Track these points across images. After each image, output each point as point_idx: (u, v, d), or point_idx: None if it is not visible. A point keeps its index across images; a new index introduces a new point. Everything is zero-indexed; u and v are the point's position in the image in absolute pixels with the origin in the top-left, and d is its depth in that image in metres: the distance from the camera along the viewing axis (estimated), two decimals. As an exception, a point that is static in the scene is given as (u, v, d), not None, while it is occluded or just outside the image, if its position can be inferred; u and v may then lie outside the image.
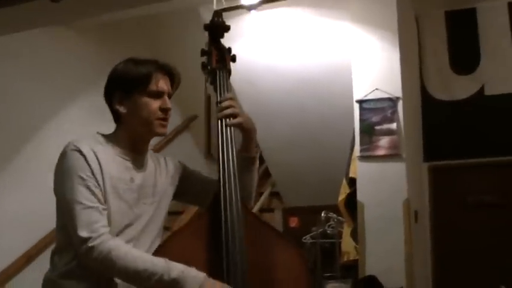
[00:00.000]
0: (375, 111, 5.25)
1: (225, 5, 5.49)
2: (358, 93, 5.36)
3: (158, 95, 2.29)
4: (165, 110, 2.30)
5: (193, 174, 2.57)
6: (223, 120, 2.34)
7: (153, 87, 2.27)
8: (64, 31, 6.04)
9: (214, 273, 2.08)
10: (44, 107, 5.76)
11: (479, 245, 5.72)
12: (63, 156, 2.18)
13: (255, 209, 8.12)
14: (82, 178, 2.12)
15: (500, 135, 5.82)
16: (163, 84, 2.31)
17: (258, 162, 2.51)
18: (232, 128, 2.34)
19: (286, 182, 7.89)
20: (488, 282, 5.19)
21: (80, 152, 2.16)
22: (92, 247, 2.04)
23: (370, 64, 5.39)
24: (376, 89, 5.27)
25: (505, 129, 5.82)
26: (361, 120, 5.31)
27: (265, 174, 8.51)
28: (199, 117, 8.91)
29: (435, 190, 5.97)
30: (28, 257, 5.41)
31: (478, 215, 5.83)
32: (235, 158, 2.30)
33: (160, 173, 2.41)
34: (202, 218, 2.25)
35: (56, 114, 5.93)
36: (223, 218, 2.17)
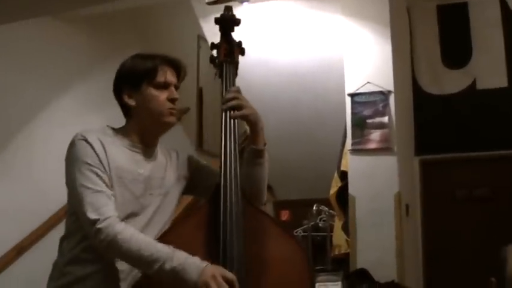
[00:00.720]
0: (367, 105, 5.26)
1: (217, -2, 5.48)
2: (350, 87, 5.36)
3: (165, 86, 2.33)
4: (172, 100, 2.34)
5: (204, 168, 2.59)
6: (228, 112, 2.37)
7: (160, 79, 2.32)
8: (52, 21, 5.98)
9: (213, 263, 2.09)
10: (33, 99, 5.71)
11: (470, 238, 5.75)
12: (71, 145, 2.25)
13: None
14: (89, 164, 2.18)
15: (491, 129, 5.85)
16: (170, 76, 2.36)
17: (267, 155, 2.53)
18: (235, 120, 2.38)
19: (278, 175, 7.85)
20: (478, 275, 5.21)
21: (87, 141, 2.22)
22: (100, 229, 2.08)
23: (362, 57, 5.39)
24: (368, 82, 5.27)
25: (496, 124, 5.84)
26: (352, 113, 5.32)
27: (257, 168, 8.51)
28: (191, 110, 8.90)
29: (426, 184, 5.99)
30: (19, 250, 5.39)
31: (469, 209, 5.86)
32: (237, 151, 2.34)
33: (171, 166, 2.44)
34: (203, 209, 2.27)
35: (47, 105, 5.87)
36: (222, 209, 2.19)
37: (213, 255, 2.12)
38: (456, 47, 6.08)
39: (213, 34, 7.06)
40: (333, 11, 5.95)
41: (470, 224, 5.81)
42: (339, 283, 5.03)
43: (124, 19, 6.87)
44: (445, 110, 6.03)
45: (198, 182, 2.53)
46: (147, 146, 2.36)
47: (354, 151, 5.27)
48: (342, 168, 5.47)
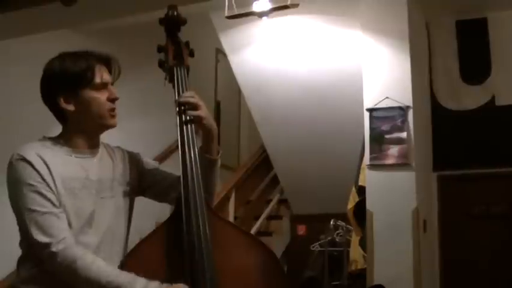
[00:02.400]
0: (385, 120, 5.24)
1: (236, 12, 5.48)
2: (369, 102, 5.35)
3: (103, 86, 2.21)
4: (113, 100, 2.23)
5: (156, 168, 2.47)
6: (183, 116, 2.25)
7: (97, 80, 2.19)
8: (71, 34, 6.04)
9: (181, 282, 2.03)
10: (48, 111, 5.73)
11: (487, 255, 5.71)
12: (10, 167, 2.12)
13: (263, 217, 8.12)
14: (32, 185, 2.06)
15: (510, 145, 5.81)
16: (106, 75, 2.24)
17: (219, 163, 2.38)
18: (192, 125, 2.26)
19: (295, 189, 7.87)
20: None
21: (25, 159, 2.09)
22: (55, 253, 2.00)
23: (380, 72, 5.38)
24: (387, 97, 5.25)
25: (514, 140, 5.80)
26: (371, 128, 5.30)
27: (274, 181, 8.50)
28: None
29: (444, 200, 5.95)
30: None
31: (486, 225, 5.82)
32: (197, 158, 2.23)
33: (118, 165, 2.33)
34: (167, 225, 2.19)
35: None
36: (185, 224, 2.12)
37: (180, 273, 2.04)
38: (475, 62, 6.06)
39: (231, 48, 7.15)
40: (352, 26, 5.95)
41: (488, 240, 5.76)
42: (356, 299, 5.03)
43: (143, 32, 6.89)
44: (464, 126, 6.00)
45: (148, 183, 2.42)
46: (90, 149, 2.25)
47: (372, 166, 5.25)
48: (360, 183, 5.45)
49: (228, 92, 9.19)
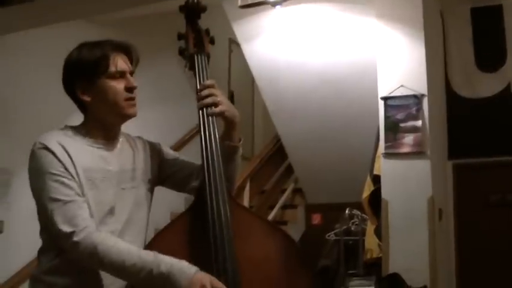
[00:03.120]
0: (400, 109, 5.22)
1: (249, 1, 5.48)
2: (383, 90, 5.32)
3: (120, 75, 2.20)
4: (130, 89, 2.21)
5: (175, 159, 2.46)
6: (205, 109, 2.25)
7: (112, 68, 2.18)
8: (85, 24, 6.06)
9: (203, 270, 2.01)
10: (65, 101, 5.77)
11: (503, 244, 5.69)
12: (32, 156, 2.12)
13: (278, 206, 8.13)
14: (54, 174, 2.06)
15: (526, 133, 5.78)
16: (122, 63, 2.22)
17: (240, 151, 2.39)
18: (214, 117, 2.25)
19: (309, 178, 7.87)
20: (512, 281, 5.17)
21: (47, 148, 2.09)
22: (77, 242, 1.99)
23: (395, 61, 5.35)
24: (401, 85, 5.23)
25: (530, 128, 5.77)
26: (385, 117, 5.28)
27: (288, 171, 8.49)
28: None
29: (459, 188, 5.93)
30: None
31: (503, 213, 5.80)
32: (219, 150, 2.23)
33: (139, 155, 2.33)
34: (188, 214, 2.20)
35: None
36: (209, 213, 2.11)
37: (202, 261, 2.03)
38: (490, 50, 6.02)
39: (245, 37, 7.14)
40: (367, 14, 5.92)
41: (504, 228, 5.74)
42: (372, 288, 5.02)
43: (157, 22, 6.91)
44: (479, 114, 5.97)
45: (168, 172, 2.42)
46: (110, 140, 2.25)
47: (387, 155, 5.23)
48: (375, 172, 5.43)
49: (242, 82, 9.18)
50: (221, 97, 2.26)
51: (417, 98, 5.19)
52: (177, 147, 7.18)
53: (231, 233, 2.11)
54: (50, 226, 2.05)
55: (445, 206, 5.54)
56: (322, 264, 6.20)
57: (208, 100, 2.24)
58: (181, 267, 1.98)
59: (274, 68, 6.87)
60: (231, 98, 9.03)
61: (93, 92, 2.18)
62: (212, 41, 2.45)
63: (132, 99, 2.22)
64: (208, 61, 2.40)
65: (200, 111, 2.26)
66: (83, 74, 2.18)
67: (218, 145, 2.24)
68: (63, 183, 2.06)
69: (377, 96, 5.35)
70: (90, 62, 2.17)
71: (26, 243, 5.17)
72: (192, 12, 2.44)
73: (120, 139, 2.31)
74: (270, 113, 7.41)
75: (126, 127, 2.35)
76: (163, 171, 2.42)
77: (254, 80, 7.51)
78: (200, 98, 2.26)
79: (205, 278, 1.98)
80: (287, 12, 6.28)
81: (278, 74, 6.92)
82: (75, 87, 2.20)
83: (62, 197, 2.04)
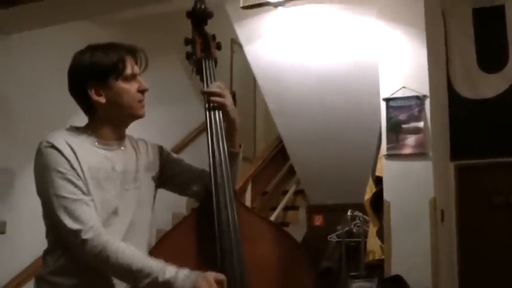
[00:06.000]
0: (402, 110, 5.21)
1: (252, 2, 5.47)
2: (385, 91, 5.32)
3: (133, 77, 2.26)
4: (143, 92, 2.29)
5: (177, 161, 2.51)
6: (213, 110, 2.31)
7: (128, 71, 2.24)
8: (89, 25, 6.06)
9: (210, 270, 2.04)
10: (69, 101, 5.78)
11: (506, 245, 5.67)
12: (38, 154, 2.15)
13: (280, 207, 8.13)
14: (61, 172, 2.09)
15: (528, 134, 5.76)
16: (135, 66, 2.29)
17: (241, 157, 2.44)
18: (220, 116, 2.31)
19: (311, 179, 7.86)
20: (515, 282, 5.16)
21: (54, 146, 2.12)
22: (85, 240, 2.01)
23: (397, 62, 5.34)
24: (403, 87, 5.22)
25: (533, 129, 5.76)
26: (387, 118, 5.27)
27: (290, 172, 8.50)
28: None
29: (462, 189, 5.91)
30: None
31: (506, 215, 5.77)
32: (225, 150, 2.27)
33: (141, 157, 2.36)
34: (195, 216, 2.22)
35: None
36: (216, 214, 2.14)
37: (209, 264, 2.06)
38: (492, 50, 6.00)
39: (247, 38, 7.13)
40: (368, 14, 5.91)
41: (507, 230, 5.71)
42: (373, 289, 5.01)
43: (160, 23, 6.92)
44: (481, 115, 5.95)
45: (170, 174, 2.45)
46: (116, 140, 2.29)
47: (389, 156, 5.22)
48: (377, 173, 5.42)
49: (244, 82, 9.17)
50: (228, 97, 2.33)
51: (419, 99, 5.18)
52: (179, 148, 7.18)
53: (239, 235, 2.13)
54: (57, 224, 2.07)
55: (447, 208, 5.53)
56: (324, 266, 6.19)
57: (218, 99, 2.30)
58: (185, 273, 2.01)
59: (276, 69, 6.86)
60: (233, 98, 9.03)
61: (107, 94, 2.23)
62: (219, 47, 2.52)
63: (142, 101, 2.29)
64: (215, 66, 2.46)
65: (208, 112, 2.31)
66: (98, 76, 2.21)
67: (225, 147, 2.28)
68: (70, 181, 2.08)
69: (379, 97, 5.34)
70: (108, 65, 2.21)
71: (28, 244, 5.21)
72: (199, 18, 2.51)
73: (126, 140, 2.35)
74: (272, 114, 7.40)
75: (129, 128, 2.36)
76: (165, 173, 2.44)
77: (256, 81, 7.51)
78: (206, 93, 2.32)
79: (208, 274, 2.01)
80: (289, 13, 6.28)
81: (280, 74, 6.91)
82: (88, 89, 2.22)
83: (69, 195, 2.07)
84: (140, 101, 2.28)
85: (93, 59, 2.23)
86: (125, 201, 2.21)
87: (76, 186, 2.08)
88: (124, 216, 2.20)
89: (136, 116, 2.29)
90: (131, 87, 2.25)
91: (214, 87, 2.34)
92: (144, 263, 2.02)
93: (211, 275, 2.00)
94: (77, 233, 2.01)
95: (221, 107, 2.32)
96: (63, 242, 2.09)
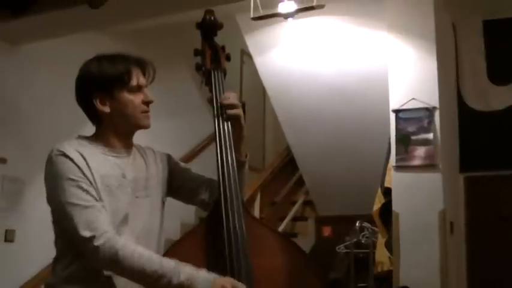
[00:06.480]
0: (411, 121, 5.20)
1: (262, 13, 5.49)
2: (395, 103, 5.31)
3: (138, 89, 2.26)
4: (147, 103, 2.28)
5: (185, 170, 2.51)
6: (225, 121, 2.32)
7: (134, 82, 2.24)
8: (98, 36, 6.09)
9: None
10: (79, 111, 5.79)
11: (515, 258, 5.66)
12: (49, 163, 2.15)
13: (288, 218, 8.12)
14: (73, 180, 2.08)
15: (538, 147, 5.75)
16: (142, 78, 2.28)
17: (247, 166, 2.43)
18: (229, 125, 2.32)
19: (320, 190, 7.86)
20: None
21: (65, 155, 2.12)
22: (97, 247, 2.00)
23: (406, 73, 5.34)
24: (413, 98, 5.22)
25: (542, 141, 5.75)
26: (397, 129, 5.26)
27: (299, 183, 8.49)
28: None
29: (471, 201, 5.90)
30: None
31: (514, 227, 5.76)
32: (234, 160, 2.27)
33: (150, 165, 2.36)
34: (204, 226, 2.22)
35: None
36: (225, 224, 2.14)
37: (217, 273, 2.04)
38: (503, 63, 6.01)
39: (257, 49, 7.14)
40: (378, 27, 5.92)
41: (516, 243, 5.71)
42: (382, 301, 5.00)
43: (170, 33, 6.94)
44: (491, 127, 5.95)
45: (178, 183, 2.45)
46: (124, 148, 2.29)
47: (398, 167, 5.21)
48: (386, 184, 5.42)
49: (253, 93, 9.19)
50: (239, 104, 2.34)
51: (429, 111, 5.17)
52: (187, 158, 7.19)
53: (247, 246, 2.13)
54: (69, 231, 2.06)
55: (456, 219, 5.52)
56: (332, 277, 6.18)
57: (236, 111, 2.32)
58: (202, 273, 2.01)
59: (286, 80, 6.88)
60: (243, 108, 9.04)
61: (112, 104, 2.23)
62: (228, 58, 2.52)
63: (147, 112, 2.29)
64: (224, 77, 2.46)
65: (217, 122, 2.31)
66: (104, 86, 2.22)
67: (234, 157, 2.28)
68: (81, 188, 2.08)
69: (388, 109, 5.34)
70: (114, 76, 2.22)
71: (37, 252, 5.22)
72: (209, 30, 2.50)
73: (134, 149, 2.35)
74: (281, 124, 7.41)
75: (136, 137, 2.37)
76: (172, 182, 2.44)
77: (265, 91, 7.52)
78: (221, 106, 2.33)
79: (226, 280, 2.01)
80: (299, 25, 6.30)
81: (289, 85, 6.93)
82: (93, 98, 2.23)
83: (81, 202, 2.06)
84: (144, 112, 2.27)
85: (100, 69, 2.24)
86: (136, 209, 2.22)
87: (88, 193, 2.08)
88: (134, 224, 2.20)
89: (141, 127, 2.29)
90: (136, 98, 2.25)
91: (233, 98, 2.33)
92: (159, 264, 2.00)
93: (231, 282, 2.00)
94: (89, 240, 2.01)
95: (236, 118, 2.33)
96: (76, 249, 2.09)
